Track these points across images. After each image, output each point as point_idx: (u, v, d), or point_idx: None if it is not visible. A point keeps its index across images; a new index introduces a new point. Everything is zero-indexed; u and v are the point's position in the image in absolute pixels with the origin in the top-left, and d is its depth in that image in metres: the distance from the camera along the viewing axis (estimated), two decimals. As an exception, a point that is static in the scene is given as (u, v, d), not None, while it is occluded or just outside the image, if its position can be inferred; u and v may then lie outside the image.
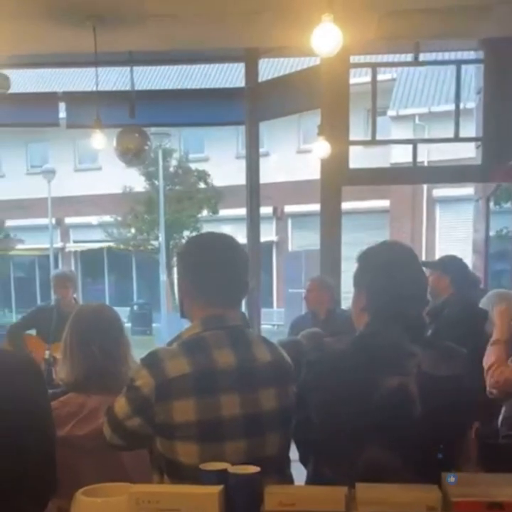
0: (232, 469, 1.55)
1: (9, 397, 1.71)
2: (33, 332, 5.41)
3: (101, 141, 5.41)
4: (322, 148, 5.28)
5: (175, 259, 18.42)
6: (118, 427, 1.86)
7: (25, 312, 7.01)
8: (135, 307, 18.85)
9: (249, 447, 1.82)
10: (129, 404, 1.83)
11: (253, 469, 1.55)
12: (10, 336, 5.30)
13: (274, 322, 16.52)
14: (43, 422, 1.81)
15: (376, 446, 1.75)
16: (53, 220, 20.30)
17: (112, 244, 19.87)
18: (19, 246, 19.63)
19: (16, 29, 4.81)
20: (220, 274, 1.88)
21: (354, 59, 5.88)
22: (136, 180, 18.10)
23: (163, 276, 17.85)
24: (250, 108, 6.02)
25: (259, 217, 6.26)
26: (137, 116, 5.70)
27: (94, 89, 5.75)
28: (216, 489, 1.48)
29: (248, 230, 6.07)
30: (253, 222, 6.13)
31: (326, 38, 3.10)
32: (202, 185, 18.45)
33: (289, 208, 19.54)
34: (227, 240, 1.97)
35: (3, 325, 12.11)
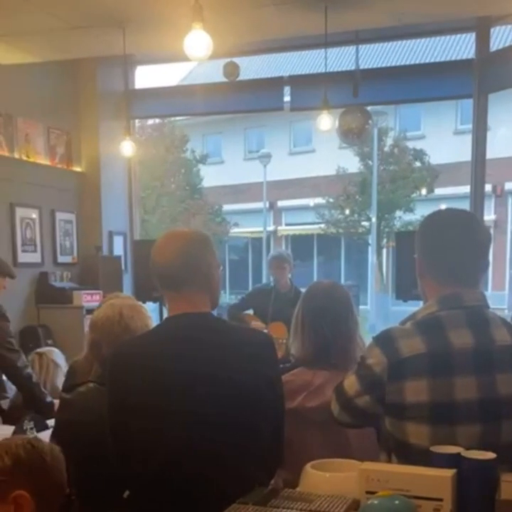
0: (466, 454, 1.49)
1: (251, 370, 1.81)
2: (250, 312, 5.65)
3: (327, 121, 5.44)
4: None
5: (384, 241, 18.26)
6: (347, 404, 1.86)
7: (242, 293, 7.38)
8: (343, 289, 18.96)
9: (483, 433, 1.74)
10: (360, 381, 1.82)
11: (489, 455, 1.48)
12: (230, 316, 5.55)
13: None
14: (277, 396, 1.90)
15: None
16: (267, 204, 20.94)
17: (322, 226, 20.07)
18: (234, 229, 20.71)
19: (250, 17, 4.91)
20: (460, 251, 1.81)
21: None
22: (350, 162, 18.10)
23: (372, 258, 17.74)
24: (480, 80, 5.73)
25: (484, 195, 5.96)
26: (359, 95, 5.66)
27: (317, 71, 5.80)
28: (449, 473, 1.43)
29: (471, 208, 5.77)
30: (477, 200, 5.85)
31: None
32: (418, 164, 17.99)
33: (509, 185, 18.46)
34: (468, 217, 1.91)
35: (220, 305, 12.99)
